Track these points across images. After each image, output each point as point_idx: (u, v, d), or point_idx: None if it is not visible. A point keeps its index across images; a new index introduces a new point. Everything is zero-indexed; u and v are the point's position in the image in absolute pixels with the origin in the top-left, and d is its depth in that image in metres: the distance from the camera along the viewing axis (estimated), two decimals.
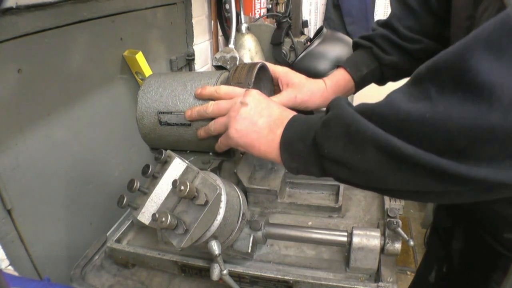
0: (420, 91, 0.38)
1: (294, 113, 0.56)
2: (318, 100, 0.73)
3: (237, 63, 0.74)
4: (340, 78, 0.76)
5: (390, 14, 0.76)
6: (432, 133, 0.36)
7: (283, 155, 0.52)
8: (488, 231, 0.66)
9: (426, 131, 0.36)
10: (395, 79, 0.79)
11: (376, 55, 0.75)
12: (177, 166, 0.56)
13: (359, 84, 0.77)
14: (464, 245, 0.74)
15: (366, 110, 0.42)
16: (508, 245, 0.62)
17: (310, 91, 0.72)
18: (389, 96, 0.42)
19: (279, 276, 0.62)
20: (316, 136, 0.47)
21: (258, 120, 0.54)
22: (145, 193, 0.56)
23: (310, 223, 0.78)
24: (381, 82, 0.80)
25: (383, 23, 0.76)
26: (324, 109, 0.54)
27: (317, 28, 1.76)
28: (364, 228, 0.63)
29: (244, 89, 0.59)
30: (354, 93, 0.80)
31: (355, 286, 0.60)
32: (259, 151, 0.55)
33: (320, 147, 0.47)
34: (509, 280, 0.61)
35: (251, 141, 0.54)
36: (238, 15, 1.36)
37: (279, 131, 0.53)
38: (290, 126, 0.53)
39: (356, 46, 0.81)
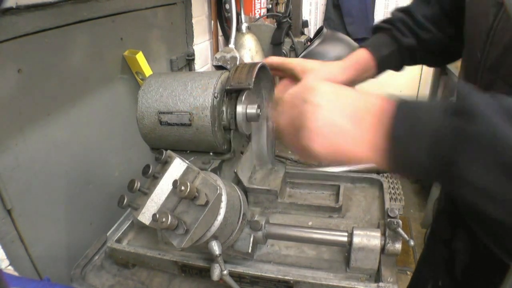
0: None
1: (382, 97, 0.43)
2: (340, 79, 0.71)
3: (237, 63, 0.74)
4: (360, 57, 0.75)
5: (411, 2, 0.78)
6: None
7: (391, 161, 0.40)
8: (496, 241, 0.63)
9: None
10: (411, 63, 0.79)
11: (395, 37, 0.75)
12: (177, 166, 0.56)
13: (380, 65, 0.76)
14: (468, 257, 0.72)
15: None
16: None
17: (329, 72, 0.70)
18: None
19: (280, 276, 0.62)
20: (445, 147, 0.36)
21: (340, 120, 0.42)
22: (146, 193, 0.56)
23: (310, 223, 0.78)
24: (399, 67, 0.80)
25: (402, 9, 0.78)
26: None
27: (317, 28, 1.76)
28: (365, 228, 0.63)
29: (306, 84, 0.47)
30: (374, 76, 0.79)
31: (356, 286, 0.60)
32: (353, 157, 0.43)
33: (454, 164, 0.36)
34: (509, 280, 0.61)
35: (339, 149, 0.42)
36: (238, 15, 1.36)
37: (373, 124, 0.41)
38: (399, 119, 0.39)
39: (376, 29, 0.82)
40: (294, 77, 0.72)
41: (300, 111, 0.44)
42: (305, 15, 2.70)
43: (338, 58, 1.28)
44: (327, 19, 2.70)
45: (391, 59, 0.77)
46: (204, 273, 0.67)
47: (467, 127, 0.35)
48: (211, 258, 0.63)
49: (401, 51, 0.76)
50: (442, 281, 0.80)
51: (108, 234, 0.78)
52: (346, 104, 0.43)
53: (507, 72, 0.53)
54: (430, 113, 0.39)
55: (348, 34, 2.42)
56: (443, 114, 0.37)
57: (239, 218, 0.59)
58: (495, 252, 0.63)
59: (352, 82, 0.74)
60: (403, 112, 0.40)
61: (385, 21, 0.79)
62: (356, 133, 0.41)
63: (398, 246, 0.63)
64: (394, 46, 0.76)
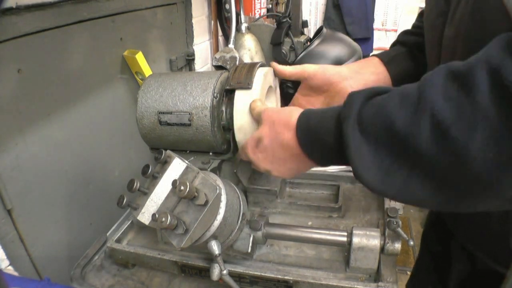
0: None
1: (298, 110, 0.54)
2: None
3: (237, 63, 0.74)
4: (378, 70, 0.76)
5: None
6: None
7: (305, 150, 0.51)
8: (490, 255, 0.62)
9: None
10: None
11: (400, 42, 0.79)
12: (177, 166, 0.56)
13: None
14: (463, 273, 0.71)
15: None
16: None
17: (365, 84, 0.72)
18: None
19: (279, 276, 0.62)
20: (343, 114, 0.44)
21: (276, 151, 0.54)
22: (145, 193, 0.56)
23: (310, 223, 0.78)
24: (413, 71, 0.79)
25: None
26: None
27: (317, 28, 1.76)
28: (364, 228, 0.63)
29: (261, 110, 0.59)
30: None
31: (355, 286, 0.60)
32: (291, 171, 0.55)
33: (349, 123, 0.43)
34: (509, 280, 0.60)
35: (281, 170, 0.56)
36: (238, 15, 1.36)
37: (292, 133, 0.52)
38: (302, 120, 0.51)
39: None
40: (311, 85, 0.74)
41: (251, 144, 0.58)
42: (305, 15, 2.70)
43: (338, 58, 1.28)
44: (327, 19, 2.70)
45: (398, 61, 0.76)
46: (203, 273, 0.67)
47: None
48: (210, 258, 0.63)
49: (412, 52, 0.75)
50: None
51: (108, 234, 0.78)
52: (278, 134, 0.53)
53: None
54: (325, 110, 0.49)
55: (348, 34, 2.42)
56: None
57: (238, 218, 0.59)
58: (489, 265, 0.62)
59: None
60: (303, 114, 0.51)
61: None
62: (285, 156, 0.53)
63: (398, 246, 0.63)
64: (402, 50, 0.77)
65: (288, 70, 0.74)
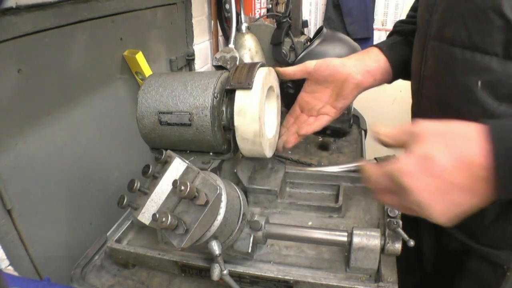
0: None
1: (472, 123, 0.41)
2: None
3: (237, 63, 0.74)
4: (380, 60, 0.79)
5: None
6: None
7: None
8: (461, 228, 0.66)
9: None
10: None
11: (399, 32, 0.83)
12: (177, 166, 0.56)
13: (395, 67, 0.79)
14: (434, 252, 0.76)
15: None
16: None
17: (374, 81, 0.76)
18: None
19: (279, 276, 0.62)
20: None
21: (453, 172, 0.39)
22: (145, 193, 0.56)
23: (310, 223, 0.78)
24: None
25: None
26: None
27: (317, 28, 1.76)
28: (364, 228, 0.63)
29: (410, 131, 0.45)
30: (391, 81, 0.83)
31: (356, 286, 0.60)
32: (457, 207, 0.41)
33: None
34: (509, 280, 0.61)
35: (447, 206, 0.41)
36: (238, 15, 1.36)
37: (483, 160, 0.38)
38: (497, 129, 0.38)
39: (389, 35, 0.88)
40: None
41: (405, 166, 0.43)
42: (305, 15, 2.70)
43: (338, 57, 1.28)
44: (327, 19, 2.70)
45: (395, 49, 0.80)
46: (204, 273, 0.67)
47: None
48: (211, 258, 0.63)
49: (408, 39, 0.79)
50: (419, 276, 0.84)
51: (108, 234, 0.78)
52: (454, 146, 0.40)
53: (450, 34, 0.58)
54: None
55: (348, 34, 2.42)
56: None
57: (239, 218, 0.59)
58: (459, 240, 0.68)
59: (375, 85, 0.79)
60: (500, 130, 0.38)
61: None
62: (462, 181, 0.39)
63: (398, 246, 0.63)
64: (399, 38, 0.80)
65: (292, 69, 0.75)
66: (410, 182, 0.41)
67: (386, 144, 0.50)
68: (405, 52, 0.79)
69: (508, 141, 0.37)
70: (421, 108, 0.69)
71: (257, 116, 0.64)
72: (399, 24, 0.85)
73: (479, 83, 0.54)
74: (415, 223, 0.77)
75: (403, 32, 0.81)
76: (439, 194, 0.40)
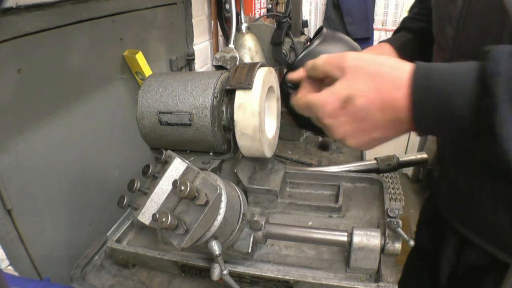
0: None
1: (406, 64, 0.43)
2: None
3: (237, 63, 0.74)
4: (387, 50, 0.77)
5: None
6: None
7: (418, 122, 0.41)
8: (491, 240, 0.62)
9: None
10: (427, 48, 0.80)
11: (408, 28, 0.80)
12: (177, 166, 0.56)
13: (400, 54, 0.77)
14: (455, 264, 0.72)
15: None
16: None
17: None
18: None
19: (280, 276, 0.62)
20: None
21: (372, 113, 0.43)
22: (146, 193, 0.56)
23: (310, 223, 0.78)
24: (417, 55, 0.81)
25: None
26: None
27: (317, 28, 1.76)
28: (364, 228, 0.63)
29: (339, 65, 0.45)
30: None
31: (356, 286, 0.60)
32: (374, 142, 0.45)
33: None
34: (509, 280, 0.60)
35: (363, 139, 0.45)
36: (238, 15, 1.36)
37: (402, 95, 0.41)
38: (420, 76, 0.40)
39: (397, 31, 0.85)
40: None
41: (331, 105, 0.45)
42: (305, 15, 2.70)
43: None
44: (327, 19, 2.70)
45: (407, 47, 0.78)
46: (204, 273, 0.67)
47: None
48: (211, 258, 0.63)
49: (417, 36, 0.77)
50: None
51: (108, 234, 0.78)
52: (376, 90, 0.42)
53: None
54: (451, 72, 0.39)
55: (348, 34, 2.42)
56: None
57: (239, 218, 0.59)
58: (488, 253, 0.62)
59: None
60: (419, 73, 0.40)
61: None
62: (381, 121, 0.43)
63: (398, 246, 0.63)
64: (409, 36, 0.78)
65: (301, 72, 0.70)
66: (330, 121, 0.45)
67: (313, 77, 0.51)
68: (414, 50, 0.77)
69: (427, 82, 0.40)
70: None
71: (257, 110, 0.64)
72: (407, 20, 0.82)
73: None
74: (436, 228, 0.75)
75: (411, 29, 0.79)
76: (358, 133, 0.44)
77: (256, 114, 0.64)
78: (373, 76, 0.43)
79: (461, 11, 0.53)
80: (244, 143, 0.67)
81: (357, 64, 0.44)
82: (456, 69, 0.39)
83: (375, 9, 2.73)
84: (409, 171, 3.00)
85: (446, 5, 0.57)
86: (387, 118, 0.43)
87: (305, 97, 0.49)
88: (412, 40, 0.78)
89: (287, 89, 1.34)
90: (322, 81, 0.70)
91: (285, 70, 1.35)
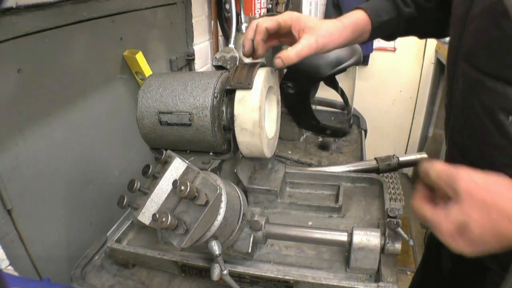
0: None
1: None
2: (338, 40, 0.70)
3: (237, 63, 0.74)
4: (358, 18, 0.75)
5: None
6: None
7: None
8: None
9: None
10: (403, 34, 0.79)
11: (397, 5, 0.75)
12: (177, 166, 0.56)
13: (375, 30, 0.75)
14: (452, 265, 0.73)
15: None
16: (495, 259, 0.61)
17: (329, 32, 0.68)
18: None
19: (279, 276, 0.62)
20: None
21: (487, 240, 0.43)
22: (146, 193, 0.56)
23: (310, 223, 0.78)
24: (391, 36, 0.79)
25: None
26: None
27: None
28: (364, 228, 0.63)
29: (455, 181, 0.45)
30: (367, 41, 0.79)
31: (356, 286, 0.60)
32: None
33: None
34: (509, 280, 0.60)
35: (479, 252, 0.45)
36: (238, 15, 1.36)
37: None
38: None
39: None
40: (291, 37, 0.68)
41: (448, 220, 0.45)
42: None
43: (338, 58, 1.28)
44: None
45: (386, 27, 0.76)
46: (204, 273, 0.67)
47: None
48: (211, 258, 0.63)
49: (399, 20, 0.75)
50: (436, 283, 0.81)
51: (108, 234, 0.78)
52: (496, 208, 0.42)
53: (479, 63, 0.54)
54: None
55: None
56: None
57: (239, 218, 0.59)
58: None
59: (347, 44, 0.74)
60: None
61: None
62: (495, 244, 0.43)
63: (398, 246, 0.63)
64: (394, 14, 0.75)
65: (270, 23, 0.67)
66: (446, 239, 0.46)
67: (428, 185, 0.50)
68: (389, 32, 0.77)
69: None
70: (453, 131, 0.65)
71: (257, 105, 0.64)
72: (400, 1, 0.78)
73: (510, 118, 0.50)
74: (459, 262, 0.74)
75: (402, 12, 0.76)
76: (469, 247, 0.45)
77: (256, 109, 0.64)
78: (489, 210, 0.42)
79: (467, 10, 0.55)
80: (244, 139, 0.67)
81: (472, 190, 0.44)
82: None
83: None
84: (409, 171, 3.00)
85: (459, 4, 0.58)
86: (503, 246, 0.43)
87: (421, 208, 0.50)
88: (394, 22, 0.76)
89: (287, 89, 1.34)
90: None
91: (285, 70, 1.35)
